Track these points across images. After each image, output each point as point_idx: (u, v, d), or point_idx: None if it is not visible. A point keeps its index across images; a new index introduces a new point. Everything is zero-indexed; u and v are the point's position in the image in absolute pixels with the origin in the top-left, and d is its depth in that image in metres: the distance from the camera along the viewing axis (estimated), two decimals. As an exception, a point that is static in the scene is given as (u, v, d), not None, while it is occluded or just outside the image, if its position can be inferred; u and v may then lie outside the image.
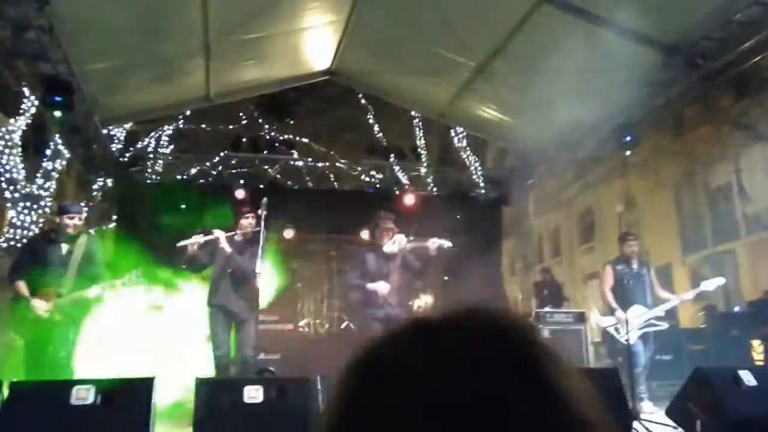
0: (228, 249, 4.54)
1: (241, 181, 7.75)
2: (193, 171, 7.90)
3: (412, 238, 4.74)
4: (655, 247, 7.43)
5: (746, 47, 5.46)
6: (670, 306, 5.27)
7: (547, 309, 6.83)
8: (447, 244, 4.63)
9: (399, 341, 0.49)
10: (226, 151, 7.91)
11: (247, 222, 4.64)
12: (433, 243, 4.61)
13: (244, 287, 4.46)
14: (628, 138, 6.42)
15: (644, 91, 6.32)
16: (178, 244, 4.55)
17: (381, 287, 4.57)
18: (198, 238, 4.54)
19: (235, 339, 4.55)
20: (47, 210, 7.09)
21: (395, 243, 4.66)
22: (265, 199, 4.59)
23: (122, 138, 7.89)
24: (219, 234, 4.55)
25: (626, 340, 4.78)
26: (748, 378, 3.34)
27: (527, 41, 5.99)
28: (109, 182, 7.83)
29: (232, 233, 4.61)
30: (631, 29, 5.55)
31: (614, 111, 6.50)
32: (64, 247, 4.34)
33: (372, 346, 0.50)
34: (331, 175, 8.11)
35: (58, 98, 5.49)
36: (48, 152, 7.24)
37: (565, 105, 6.62)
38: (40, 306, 4.07)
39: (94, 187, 7.75)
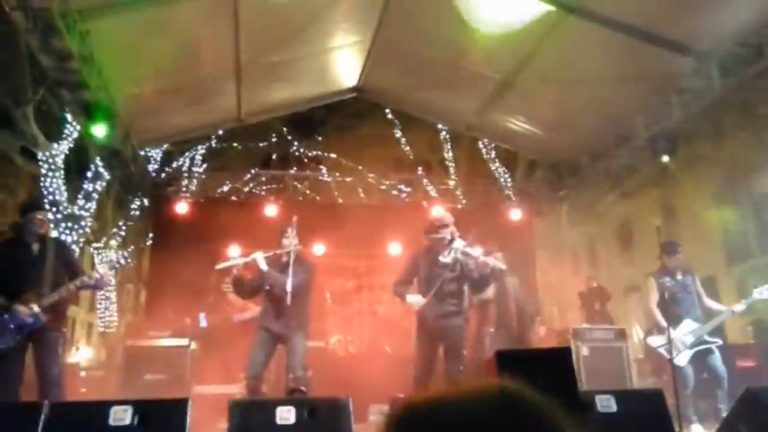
0: (264, 267, 4.53)
1: (272, 198, 7.88)
2: (225, 189, 8.09)
3: (469, 244, 4.26)
4: (698, 258, 7.13)
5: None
6: (722, 319, 4.90)
7: (585, 325, 6.61)
8: (503, 267, 4.33)
9: (438, 410, 0.56)
10: (256, 169, 8.08)
11: (288, 241, 4.61)
12: (495, 259, 4.23)
13: (283, 306, 4.39)
14: (665, 146, 6.24)
15: (678, 98, 6.16)
16: (217, 267, 4.57)
17: (416, 301, 4.25)
18: (237, 260, 4.56)
19: (287, 359, 4.53)
20: (87, 230, 7.37)
21: (451, 252, 4.17)
22: (295, 218, 4.63)
23: (158, 158, 8.17)
24: (257, 256, 4.52)
25: (670, 360, 4.54)
26: None
27: (554, 52, 5.92)
28: (146, 201, 8.10)
29: (272, 253, 4.62)
30: (660, 36, 5.43)
31: (648, 120, 6.34)
32: (35, 247, 4.06)
33: (411, 404, 0.57)
34: (360, 190, 8.18)
35: (98, 123, 5.73)
36: (89, 174, 7.55)
37: (596, 115, 6.51)
38: (24, 312, 3.81)
39: (132, 206, 8.03)
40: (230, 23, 5.58)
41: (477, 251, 4.29)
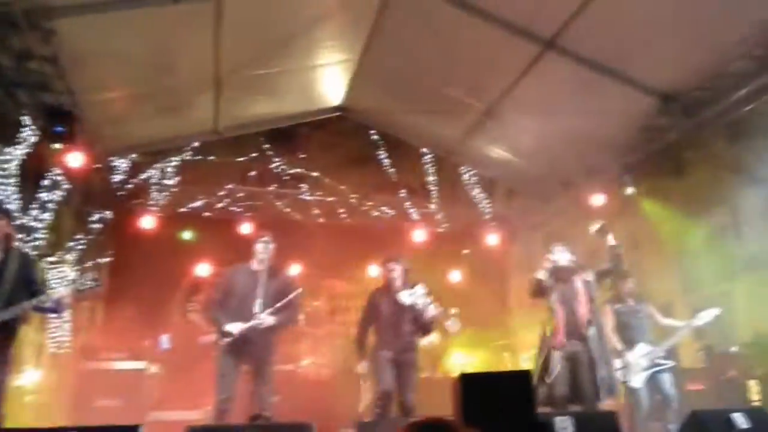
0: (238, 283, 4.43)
1: (248, 215, 7.66)
2: (198, 204, 7.78)
3: (429, 292, 4.69)
4: (657, 286, 7.57)
5: (738, 97, 5.78)
6: (674, 341, 5.32)
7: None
8: (457, 327, 4.68)
9: None
10: (233, 184, 7.84)
11: (261, 246, 4.50)
12: (450, 325, 4.66)
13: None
14: (630, 180, 6.65)
15: (644, 135, 6.60)
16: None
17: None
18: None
19: (253, 382, 4.41)
20: (40, 243, 6.84)
21: (413, 294, 4.63)
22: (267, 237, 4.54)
23: (124, 169, 7.75)
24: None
25: (625, 382, 4.82)
26: (740, 421, 3.46)
27: (534, 85, 6.21)
28: (108, 214, 7.63)
29: (245, 265, 4.50)
30: (629, 77, 5.84)
31: (616, 154, 6.74)
32: None
33: None
34: (341, 210, 8.11)
35: (58, 129, 5.40)
36: (46, 183, 7.04)
37: (569, 147, 6.85)
38: None
39: (92, 218, 7.54)
40: (211, 32, 5.45)
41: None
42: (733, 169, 6.33)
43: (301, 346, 7.07)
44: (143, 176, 7.91)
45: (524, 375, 3.28)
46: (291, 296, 4.45)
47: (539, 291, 4.49)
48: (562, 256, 4.42)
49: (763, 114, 5.77)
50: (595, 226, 4.38)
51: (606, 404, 4.29)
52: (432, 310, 4.60)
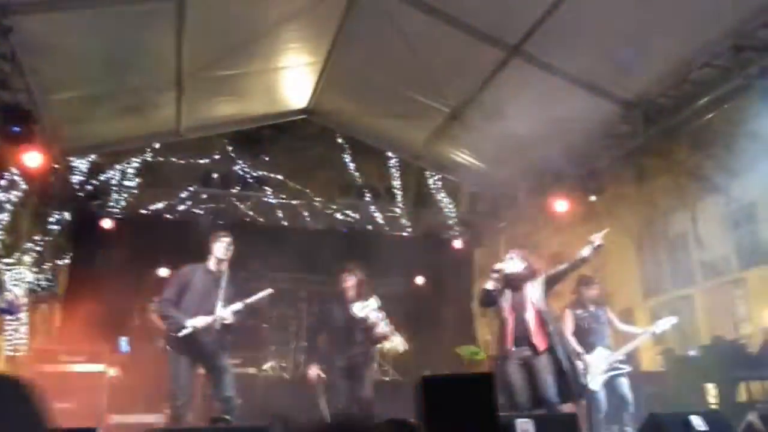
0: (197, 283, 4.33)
1: (211, 218, 7.54)
2: (160, 206, 7.64)
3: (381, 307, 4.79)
4: (618, 291, 7.68)
5: (699, 105, 5.85)
6: (632, 346, 5.42)
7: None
8: (404, 347, 4.77)
9: None
10: (195, 186, 7.71)
11: (222, 246, 4.41)
12: (392, 341, 4.83)
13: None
14: (593, 186, 6.71)
15: (607, 142, 6.66)
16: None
17: None
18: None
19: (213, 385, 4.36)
20: (-3, 244, 6.65)
21: (366, 308, 4.72)
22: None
23: (84, 170, 7.57)
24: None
25: (584, 385, 4.88)
26: (698, 423, 3.49)
27: (499, 90, 6.22)
28: (67, 215, 7.45)
29: (202, 264, 4.41)
30: (593, 84, 5.89)
31: (580, 160, 6.79)
32: None
33: None
34: (305, 214, 8.04)
35: (16, 128, 5.24)
36: (2, 183, 6.83)
37: (534, 152, 6.88)
38: None
39: (50, 220, 7.35)
40: (173, 31, 5.35)
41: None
42: (694, 176, 6.44)
43: (263, 349, 7.01)
44: (103, 177, 7.72)
45: (486, 378, 3.30)
46: (257, 296, 4.38)
47: (487, 301, 4.50)
48: (511, 263, 4.41)
49: (724, 122, 5.86)
50: (596, 239, 4.29)
51: (567, 407, 4.30)
52: (382, 327, 4.70)
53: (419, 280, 8.24)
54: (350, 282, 4.84)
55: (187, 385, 4.21)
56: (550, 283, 4.36)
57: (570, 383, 4.06)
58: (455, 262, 8.02)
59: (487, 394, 3.14)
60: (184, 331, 4.15)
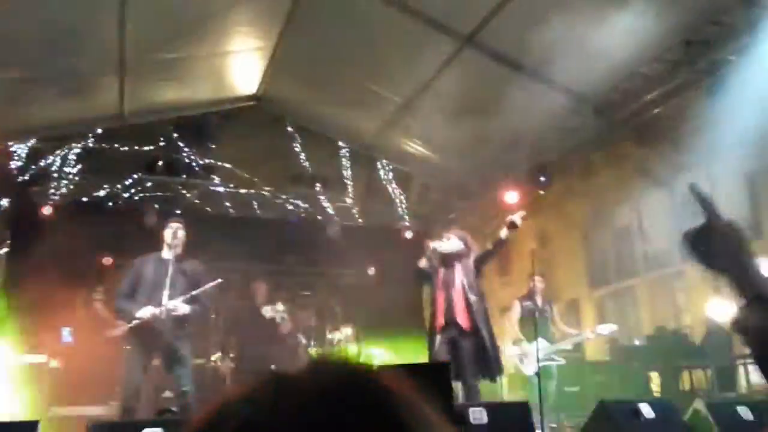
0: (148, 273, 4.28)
1: (156, 206, 7.31)
2: (102, 193, 7.37)
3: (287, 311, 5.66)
4: (566, 283, 7.83)
5: (648, 99, 5.95)
6: (571, 342, 5.84)
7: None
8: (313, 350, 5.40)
9: (258, 398, 0.45)
10: (139, 174, 7.46)
11: (170, 232, 4.32)
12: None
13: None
14: (543, 178, 6.78)
15: (557, 135, 6.72)
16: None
17: None
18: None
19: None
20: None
21: (273, 311, 5.53)
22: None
23: (23, 155, 7.22)
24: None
25: (536, 373, 5.00)
26: (647, 411, 3.56)
27: (451, 80, 6.20)
28: (5, 202, 7.12)
29: (156, 253, 4.33)
30: (544, 77, 5.91)
31: (531, 152, 6.84)
32: None
33: (227, 402, 0.46)
34: (254, 203, 7.88)
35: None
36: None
37: (485, 143, 6.90)
38: None
39: (-13, 206, 7.03)
40: (115, 11, 5.13)
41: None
42: (639, 170, 6.57)
43: (212, 339, 6.88)
44: (44, 163, 7.39)
45: (440, 367, 3.30)
46: (207, 286, 4.30)
47: (420, 277, 4.65)
48: (446, 243, 4.47)
49: (670, 118, 5.97)
50: (513, 219, 4.41)
51: (496, 383, 4.64)
52: (286, 327, 5.50)
53: (371, 270, 8.23)
54: (260, 289, 5.73)
55: (137, 377, 4.11)
56: (477, 263, 4.48)
57: (490, 362, 4.14)
58: (406, 252, 8.02)
59: (442, 382, 3.15)
60: (134, 322, 4.08)
